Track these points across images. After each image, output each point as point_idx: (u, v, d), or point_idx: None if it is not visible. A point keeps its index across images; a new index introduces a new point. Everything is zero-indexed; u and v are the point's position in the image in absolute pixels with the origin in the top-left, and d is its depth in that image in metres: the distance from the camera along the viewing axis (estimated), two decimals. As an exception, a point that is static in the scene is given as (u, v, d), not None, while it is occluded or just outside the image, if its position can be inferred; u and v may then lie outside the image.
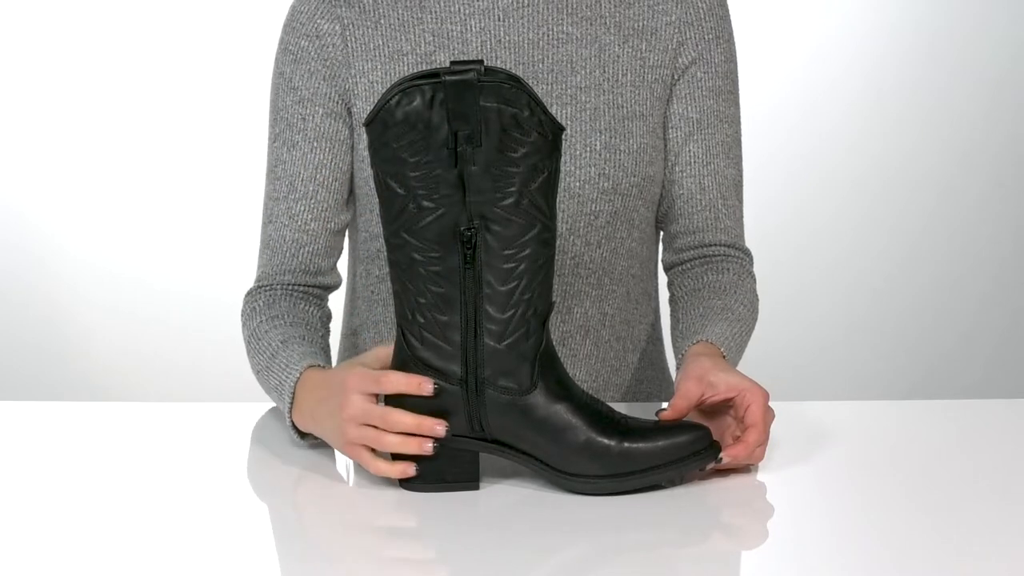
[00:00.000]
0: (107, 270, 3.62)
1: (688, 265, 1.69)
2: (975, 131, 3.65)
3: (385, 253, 1.65)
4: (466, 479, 1.34)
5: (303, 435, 1.48)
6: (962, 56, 3.62)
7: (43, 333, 3.64)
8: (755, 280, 1.69)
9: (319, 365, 1.48)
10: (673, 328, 1.64)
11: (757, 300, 1.67)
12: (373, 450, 1.36)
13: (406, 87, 1.29)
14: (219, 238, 3.61)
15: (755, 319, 1.64)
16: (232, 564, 1.21)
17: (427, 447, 1.33)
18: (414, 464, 1.34)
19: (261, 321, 1.60)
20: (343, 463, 1.44)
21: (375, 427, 1.34)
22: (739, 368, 1.51)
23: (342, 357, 1.79)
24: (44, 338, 3.64)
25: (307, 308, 1.64)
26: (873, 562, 1.19)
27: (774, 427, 1.40)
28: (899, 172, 3.66)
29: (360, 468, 1.40)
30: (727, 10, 1.69)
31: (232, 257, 3.54)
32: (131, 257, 3.62)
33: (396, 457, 1.35)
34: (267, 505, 1.39)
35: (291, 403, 1.46)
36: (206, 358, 3.58)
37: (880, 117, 3.64)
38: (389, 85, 1.63)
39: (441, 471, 1.34)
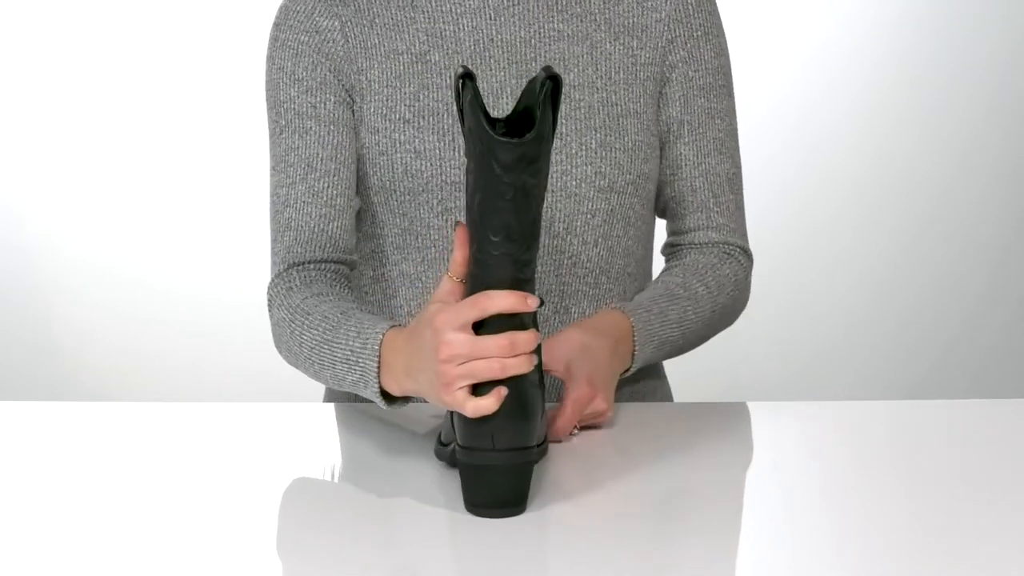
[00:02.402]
0: (107, 270, 3.61)
1: (679, 249, 1.72)
2: (975, 131, 3.64)
3: (383, 254, 1.66)
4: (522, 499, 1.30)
5: (391, 400, 1.40)
6: (962, 56, 3.62)
7: (43, 333, 3.64)
8: (742, 267, 1.71)
9: (398, 325, 1.41)
10: None
11: (732, 284, 1.69)
12: (474, 390, 1.25)
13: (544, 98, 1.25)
14: (219, 238, 3.61)
15: (718, 301, 1.66)
16: (232, 564, 1.21)
17: (532, 361, 1.25)
18: (505, 388, 1.24)
19: (306, 297, 1.54)
20: (344, 464, 1.44)
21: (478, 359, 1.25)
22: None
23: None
24: (44, 338, 3.64)
25: (343, 291, 1.58)
26: (873, 562, 1.19)
27: (775, 426, 1.40)
28: (899, 172, 3.65)
29: (361, 470, 1.40)
30: (715, 5, 1.70)
31: (232, 257, 3.54)
32: (131, 257, 3.62)
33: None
34: (268, 505, 1.38)
35: (378, 367, 1.39)
36: (206, 358, 3.58)
37: (880, 117, 3.64)
38: (388, 83, 1.63)
39: (517, 491, 1.28)
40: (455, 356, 1.25)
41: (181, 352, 3.61)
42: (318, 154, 1.61)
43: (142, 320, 3.62)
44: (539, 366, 1.30)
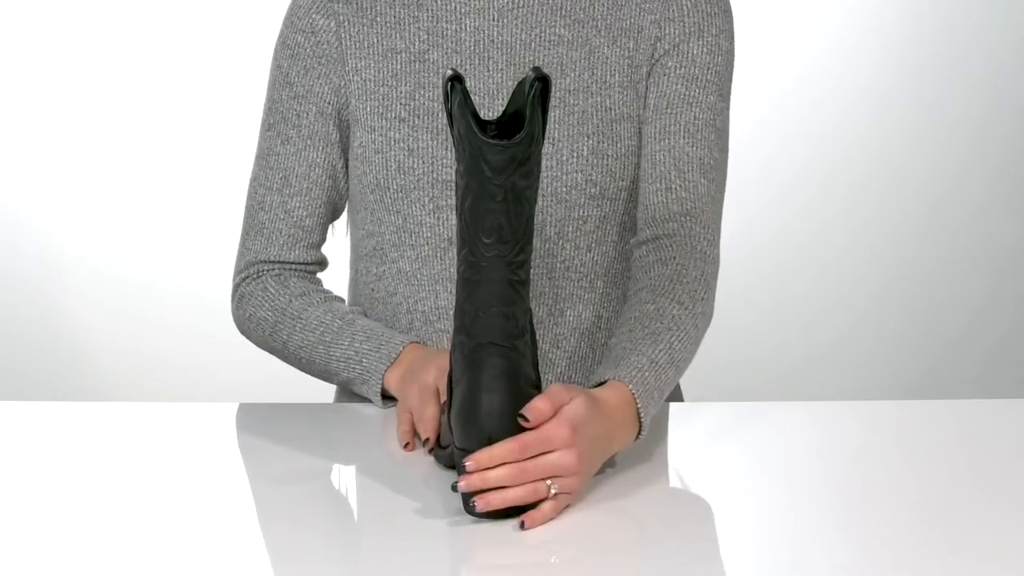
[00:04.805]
0: (108, 271, 3.61)
1: (643, 251, 1.59)
2: (975, 131, 3.65)
3: (382, 251, 1.66)
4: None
5: (385, 397, 1.57)
6: (962, 56, 3.62)
7: (43, 333, 3.64)
8: (707, 262, 1.56)
9: (419, 342, 1.60)
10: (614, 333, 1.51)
11: (704, 287, 1.53)
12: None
13: (533, 98, 1.24)
14: (219, 238, 3.60)
15: (695, 313, 1.50)
16: (230, 564, 1.21)
17: (402, 444, 1.44)
18: (411, 446, 1.45)
19: (291, 299, 1.67)
20: (343, 465, 1.44)
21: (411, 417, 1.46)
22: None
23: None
24: (44, 338, 3.64)
25: (321, 288, 1.71)
26: (873, 562, 1.19)
27: (775, 426, 1.40)
28: (899, 172, 3.66)
29: (361, 471, 1.40)
30: (722, 8, 1.65)
31: (233, 258, 3.54)
32: (132, 258, 3.62)
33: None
34: (267, 505, 1.38)
35: (392, 361, 1.56)
36: (206, 358, 3.58)
37: (880, 117, 3.64)
38: (384, 82, 1.64)
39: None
40: (413, 408, 1.46)
41: (181, 352, 3.61)
42: (294, 169, 1.68)
43: (142, 320, 3.62)
44: (536, 369, 1.30)
